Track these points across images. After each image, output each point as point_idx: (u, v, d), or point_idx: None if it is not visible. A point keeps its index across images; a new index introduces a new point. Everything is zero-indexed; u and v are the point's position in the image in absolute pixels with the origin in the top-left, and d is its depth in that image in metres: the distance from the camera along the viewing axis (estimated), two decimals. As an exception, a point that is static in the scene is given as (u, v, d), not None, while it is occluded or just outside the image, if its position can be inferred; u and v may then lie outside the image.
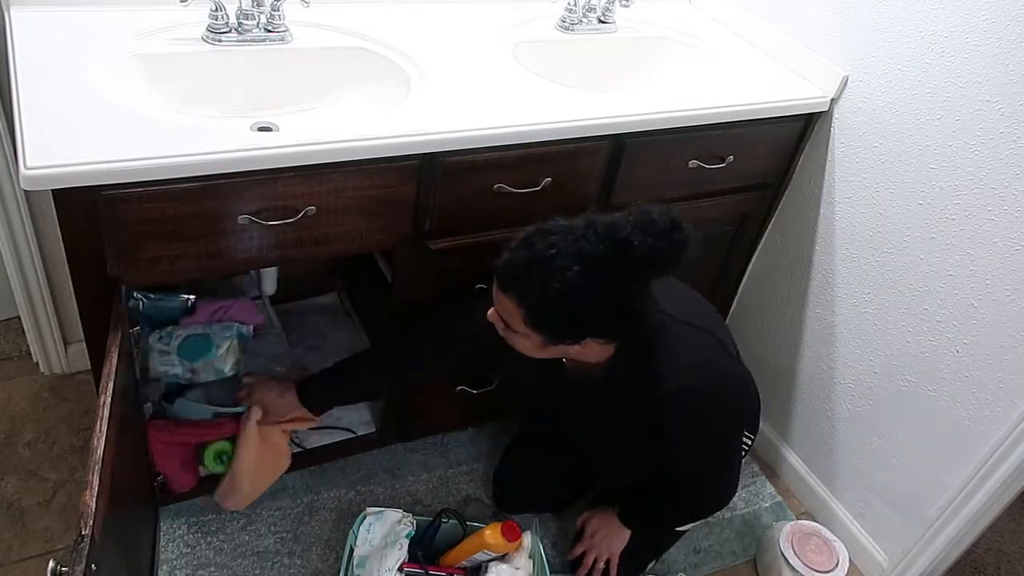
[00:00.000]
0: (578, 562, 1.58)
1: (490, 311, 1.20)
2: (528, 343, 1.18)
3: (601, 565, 1.55)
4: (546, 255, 1.07)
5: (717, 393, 1.27)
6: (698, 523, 1.50)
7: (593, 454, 1.56)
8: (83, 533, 0.82)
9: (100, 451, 0.92)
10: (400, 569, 1.41)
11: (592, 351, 1.20)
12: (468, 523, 1.52)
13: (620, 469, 1.52)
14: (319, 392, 1.43)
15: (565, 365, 1.27)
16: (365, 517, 1.52)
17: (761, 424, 1.73)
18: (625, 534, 1.53)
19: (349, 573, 1.44)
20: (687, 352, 1.24)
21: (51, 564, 0.79)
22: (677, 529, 1.55)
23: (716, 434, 1.34)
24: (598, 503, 1.65)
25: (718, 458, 1.38)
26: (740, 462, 1.44)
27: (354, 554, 1.46)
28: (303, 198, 1.20)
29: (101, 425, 0.95)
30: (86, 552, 0.81)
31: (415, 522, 1.50)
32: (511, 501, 1.73)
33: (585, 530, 1.58)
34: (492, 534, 1.43)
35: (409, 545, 1.46)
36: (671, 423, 1.27)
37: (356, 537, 1.48)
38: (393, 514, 1.50)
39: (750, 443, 1.50)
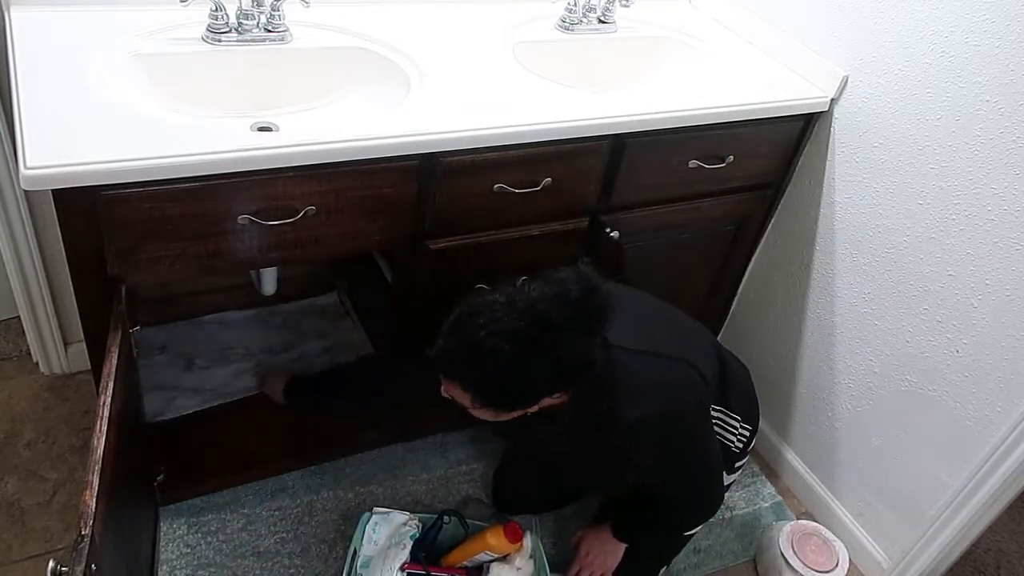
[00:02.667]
0: None
1: (443, 389, 1.21)
2: (485, 413, 1.20)
3: None
4: (475, 339, 1.09)
5: (673, 415, 1.28)
6: (697, 529, 1.50)
7: (574, 477, 1.59)
8: (83, 533, 0.82)
9: (100, 451, 0.92)
10: (401, 569, 1.41)
11: (550, 404, 1.22)
12: (470, 524, 1.52)
13: (602, 489, 1.57)
14: (303, 393, 1.52)
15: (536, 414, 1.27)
16: (371, 516, 1.51)
17: (761, 424, 1.73)
18: (620, 549, 1.52)
19: (353, 573, 1.44)
20: (638, 384, 1.25)
21: (51, 564, 0.79)
22: (683, 535, 1.54)
23: (684, 454, 1.34)
24: (601, 508, 1.65)
25: (694, 474, 1.38)
26: (720, 467, 1.43)
27: (359, 554, 1.46)
28: (303, 198, 1.20)
29: (101, 425, 0.95)
30: (86, 552, 0.81)
31: (420, 524, 1.50)
32: (510, 502, 1.73)
33: (580, 549, 1.56)
34: (494, 535, 1.43)
35: (411, 546, 1.46)
36: (637, 455, 1.30)
37: (362, 537, 1.48)
38: (399, 516, 1.50)
39: (748, 435, 1.50)
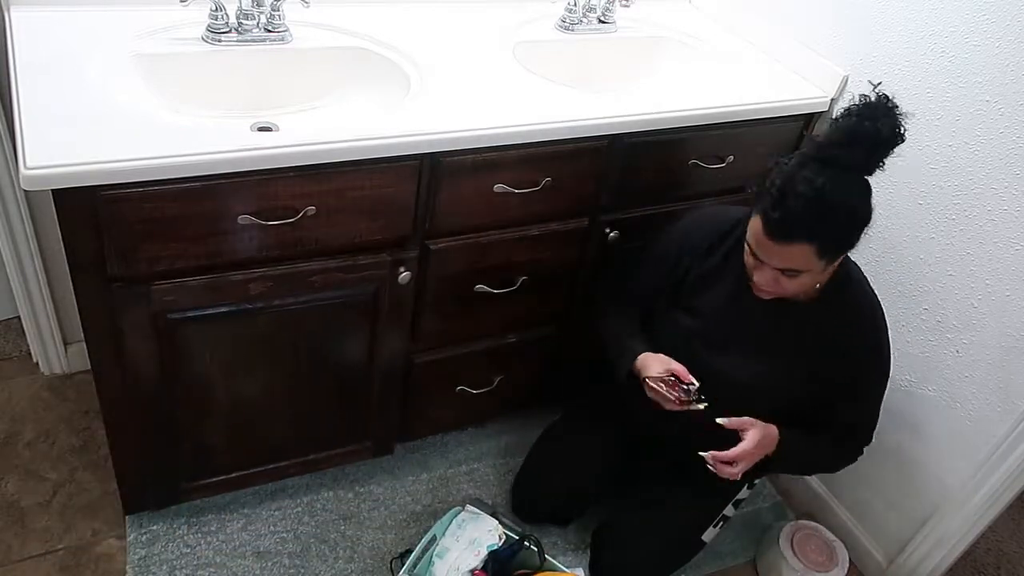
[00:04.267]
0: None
1: (761, 277, 1.24)
2: (805, 279, 1.23)
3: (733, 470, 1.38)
4: (818, 188, 1.13)
5: (888, 345, 1.38)
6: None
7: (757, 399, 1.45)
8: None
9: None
10: (471, 572, 1.42)
11: (829, 273, 1.27)
12: (547, 560, 1.51)
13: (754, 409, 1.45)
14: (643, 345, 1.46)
15: (779, 310, 1.32)
16: (462, 512, 1.52)
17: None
18: (768, 451, 1.40)
19: (426, 555, 1.45)
20: (866, 283, 1.36)
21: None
22: (831, 468, 1.55)
23: (885, 369, 1.40)
24: (620, 511, 1.64)
25: (878, 400, 1.43)
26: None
27: (438, 541, 1.47)
28: (303, 198, 1.20)
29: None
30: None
31: (503, 536, 1.49)
32: (532, 509, 1.70)
33: (748, 437, 1.35)
34: None
35: (486, 555, 1.46)
36: (863, 351, 1.35)
37: (446, 527, 1.49)
38: (488, 521, 1.50)
39: None
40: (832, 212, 1.14)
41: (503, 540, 1.48)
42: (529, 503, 1.71)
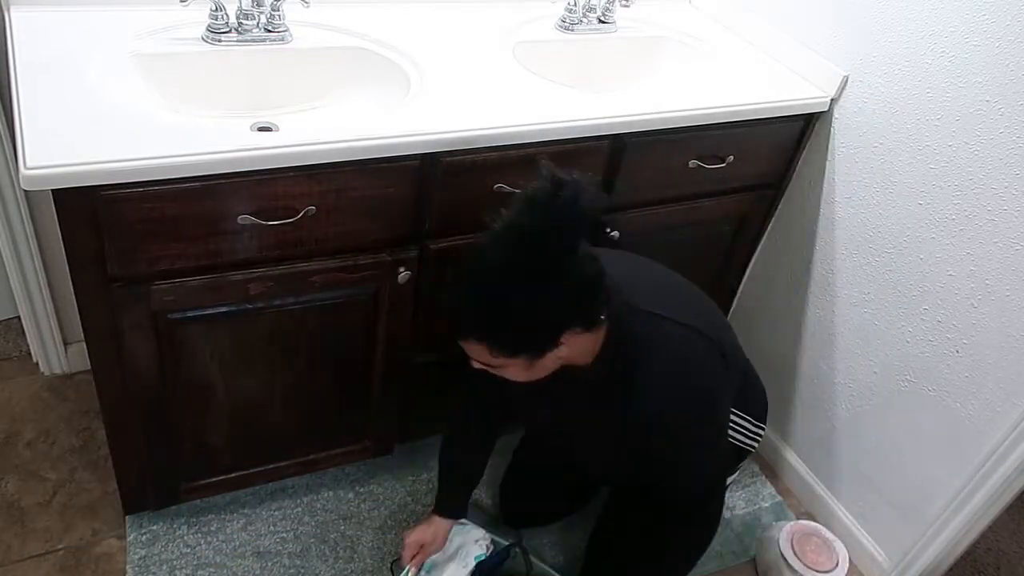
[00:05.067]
0: None
1: (472, 362, 1.15)
2: (516, 369, 1.12)
3: None
4: (471, 287, 1.06)
5: (688, 407, 1.20)
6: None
7: (592, 464, 1.49)
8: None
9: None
10: None
11: (581, 345, 1.12)
12: (534, 564, 1.51)
13: (619, 475, 1.48)
14: (453, 503, 1.50)
15: (559, 375, 1.18)
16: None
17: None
18: None
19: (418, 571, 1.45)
20: (666, 356, 1.18)
21: None
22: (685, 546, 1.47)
23: (694, 432, 1.24)
24: (610, 508, 1.63)
25: (686, 464, 1.30)
26: (721, 459, 1.39)
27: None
28: (303, 198, 1.20)
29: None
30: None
31: (491, 546, 1.49)
32: (517, 515, 1.70)
33: None
34: None
35: (474, 566, 1.46)
36: (655, 426, 1.21)
37: None
38: (476, 531, 1.50)
39: (761, 435, 1.46)
40: (483, 313, 1.05)
41: (491, 549, 1.48)
42: (517, 507, 1.71)
